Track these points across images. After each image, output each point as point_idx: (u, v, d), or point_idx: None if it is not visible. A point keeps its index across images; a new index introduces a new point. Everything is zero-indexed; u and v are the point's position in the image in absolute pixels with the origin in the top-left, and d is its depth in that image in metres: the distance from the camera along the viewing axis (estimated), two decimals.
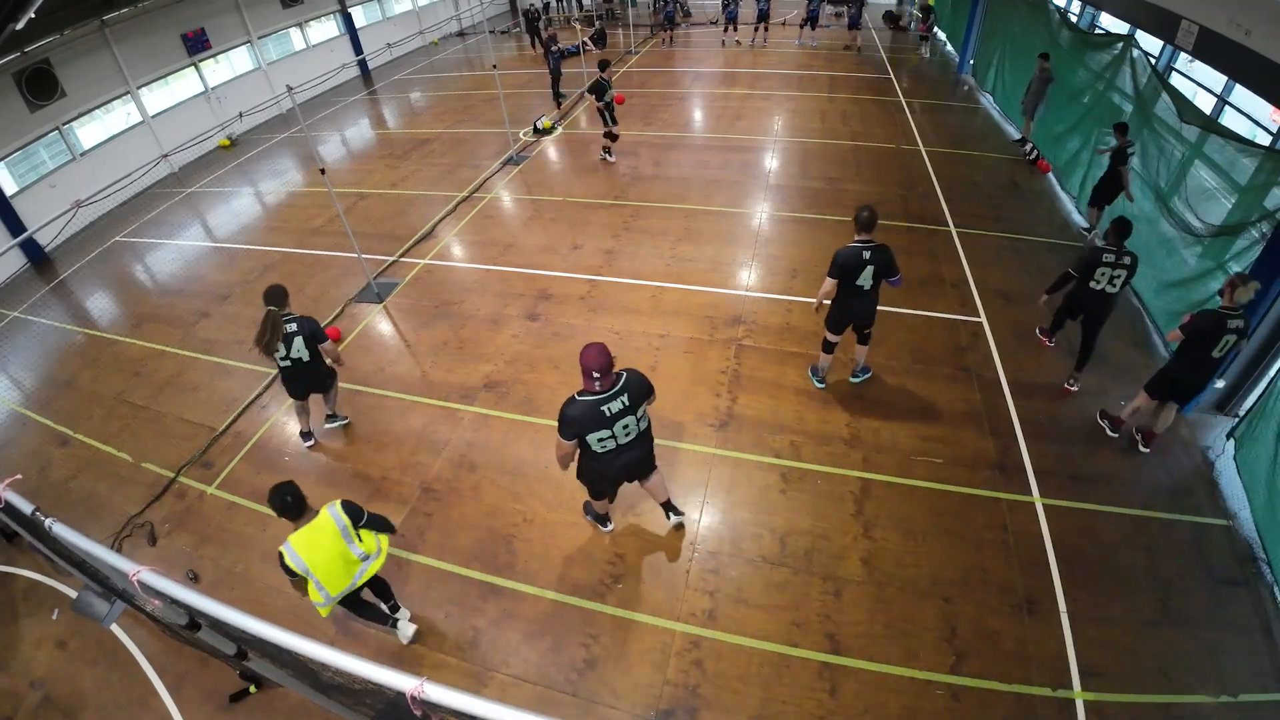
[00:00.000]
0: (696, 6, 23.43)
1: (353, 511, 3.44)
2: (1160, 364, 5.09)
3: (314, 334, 4.86)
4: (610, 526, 4.75)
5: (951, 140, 10.88)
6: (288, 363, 4.90)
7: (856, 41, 16.56)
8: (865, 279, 4.91)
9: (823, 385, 5.71)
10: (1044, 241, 7.81)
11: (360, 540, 3.47)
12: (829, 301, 5.24)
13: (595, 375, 3.48)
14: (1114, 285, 5.17)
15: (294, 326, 4.80)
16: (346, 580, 3.46)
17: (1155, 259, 6.41)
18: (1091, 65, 8.40)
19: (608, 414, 3.59)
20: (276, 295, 4.80)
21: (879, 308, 5.25)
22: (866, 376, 5.81)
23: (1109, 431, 5.26)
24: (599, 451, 3.74)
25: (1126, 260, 5.08)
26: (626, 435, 3.74)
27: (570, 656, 4.00)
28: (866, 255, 4.82)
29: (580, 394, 3.60)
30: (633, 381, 3.65)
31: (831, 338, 5.44)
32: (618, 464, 3.88)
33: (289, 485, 3.37)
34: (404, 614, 4.15)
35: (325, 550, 3.34)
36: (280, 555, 3.29)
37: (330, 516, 3.37)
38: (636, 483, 4.24)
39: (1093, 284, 5.18)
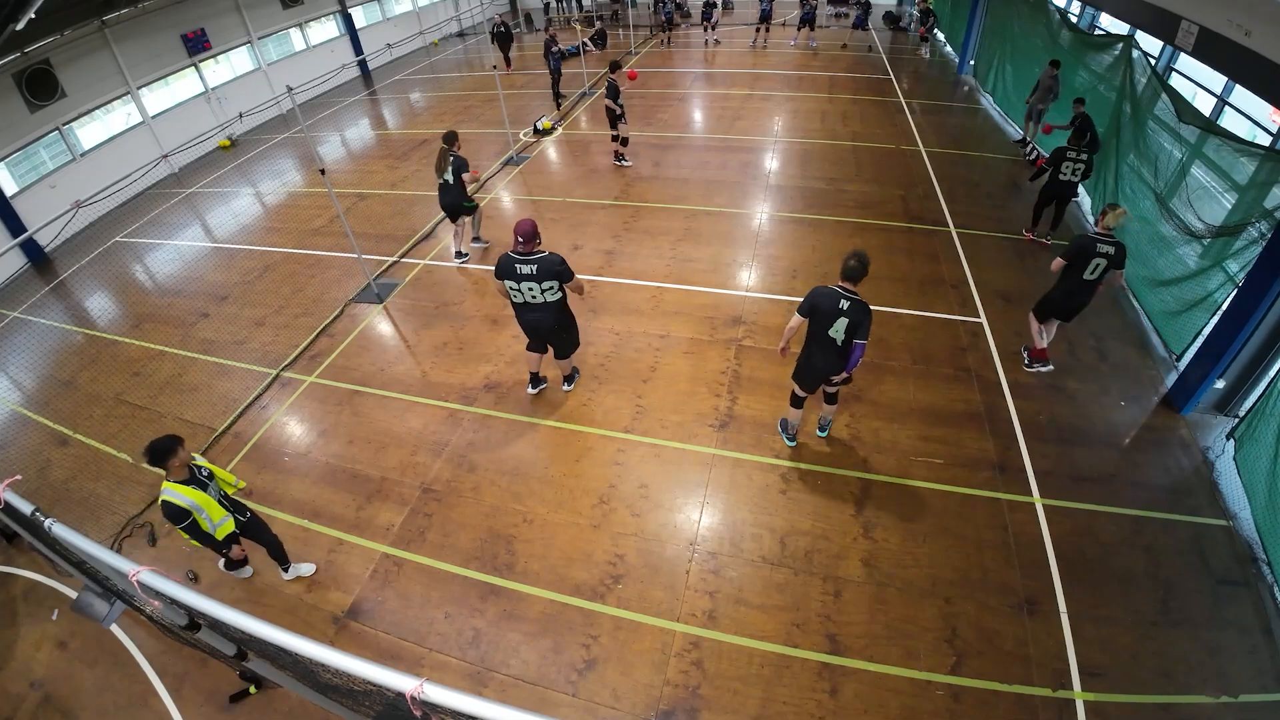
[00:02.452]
0: (696, 7, 23.43)
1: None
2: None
3: (459, 168, 7.43)
4: (532, 389, 5.94)
5: (951, 141, 10.89)
6: (442, 182, 7.53)
7: (852, 39, 16.52)
8: (838, 331, 4.37)
9: (794, 444, 5.26)
10: (1044, 242, 7.81)
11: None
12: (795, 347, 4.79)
13: (518, 239, 4.80)
14: (1075, 175, 6.93)
15: (454, 159, 7.39)
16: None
17: (1150, 258, 6.41)
18: (1092, 66, 8.40)
19: (518, 271, 4.90)
20: (449, 136, 7.41)
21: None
22: (829, 430, 5.37)
23: (1041, 369, 5.82)
24: (514, 300, 5.12)
25: (1084, 156, 6.82)
26: (531, 296, 5.02)
27: (570, 657, 4.00)
28: (844, 305, 4.27)
29: (510, 250, 4.91)
30: (545, 259, 4.87)
31: (800, 392, 4.92)
32: (526, 317, 5.25)
33: (168, 439, 3.65)
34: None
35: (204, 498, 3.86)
36: (173, 504, 3.72)
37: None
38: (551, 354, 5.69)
39: (1061, 175, 6.97)
